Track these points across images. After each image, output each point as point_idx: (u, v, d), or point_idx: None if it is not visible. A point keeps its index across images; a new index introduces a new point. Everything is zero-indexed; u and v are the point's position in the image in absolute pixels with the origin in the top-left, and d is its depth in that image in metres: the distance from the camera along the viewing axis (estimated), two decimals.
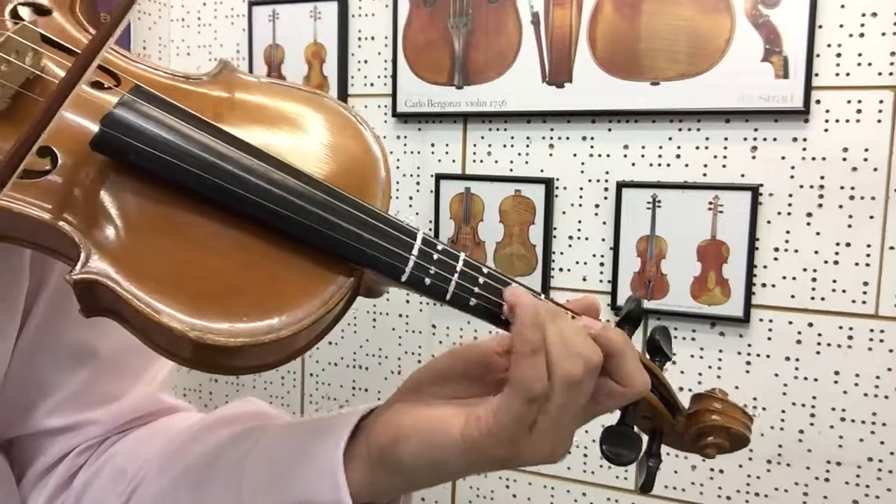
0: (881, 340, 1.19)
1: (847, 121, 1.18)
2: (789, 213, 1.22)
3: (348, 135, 0.49)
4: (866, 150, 1.17)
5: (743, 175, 1.24)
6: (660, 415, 0.51)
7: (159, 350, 0.41)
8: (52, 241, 0.41)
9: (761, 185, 1.23)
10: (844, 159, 1.18)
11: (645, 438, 0.51)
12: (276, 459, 0.49)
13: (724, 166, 1.25)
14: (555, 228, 1.37)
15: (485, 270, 0.45)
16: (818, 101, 1.19)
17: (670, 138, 1.28)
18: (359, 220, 0.43)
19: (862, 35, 1.16)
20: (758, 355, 1.26)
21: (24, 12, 0.46)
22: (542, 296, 0.47)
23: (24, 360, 0.52)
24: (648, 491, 0.50)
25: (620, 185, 1.30)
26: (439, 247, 0.45)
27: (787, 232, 1.22)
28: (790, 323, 1.23)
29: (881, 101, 1.16)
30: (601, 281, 1.34)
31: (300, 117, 0.49)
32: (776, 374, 1.25)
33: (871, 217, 1.18)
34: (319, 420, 0.51)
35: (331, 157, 0.47)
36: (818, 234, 1.21)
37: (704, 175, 1.27)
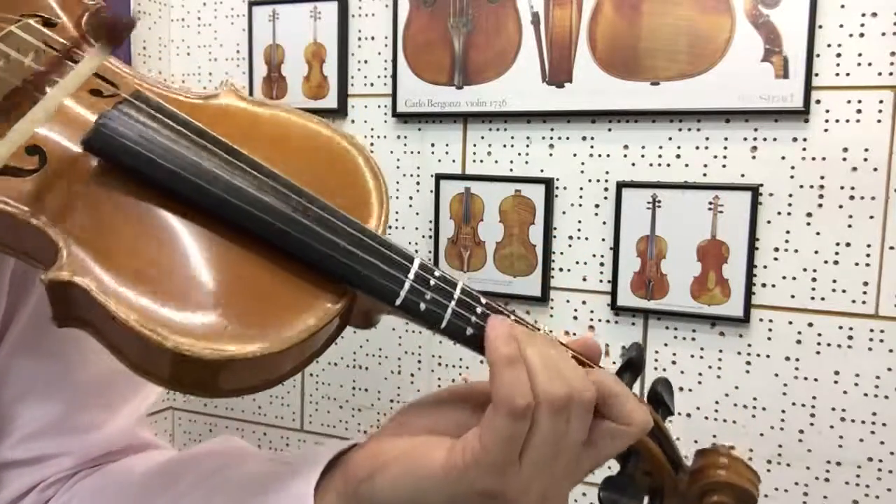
0: (881, 340, 1.19)
1: (847, 121, 1.18)
2: (789, 213, 1.22)
3: (344, 155, 0.48)
4: (866, 150, 1.17)
5: (743, 175, 1.24)
6: (661, 470, 0.48)
7: (134, 367, 0.39)
8: (31, 242, 0.40)
9: (761, 185, 1.23)
10: (844, 159, 1.18)
11: (646, 500, 0.48)
12: (245, 494, 0.47)
13: (724, 166, 1.25)
14: (555, 228, 1.37)
15: (483, 301, 0.44)
16: (818, 101, 1.19)
17: (670, 138, 1.28)
18: (354, 238, 0.42)
19: (862, 35, 1.16)
20: (758, 355, 1.26)
21: (31, 22, 0.46)
22: (541, 331, 0.45)
23: None
24: None
25: (620, 185, 1.30)
26: (437, 273, 0.43)
27: (787, 232, 1.23)
28: (790, 323, 1.23)
29: (881, 101, 1.16)
30: (601, 281, 1.34)
31: (296, 134, 0.49)
32: (776, 374, 1.25)
33: (871, 217, 1.18)
34: (295, 455, 0.49)
35: (326, 175, 0.47)
36: (818, 234, 1.21)
37: (704, 175, 1.27)
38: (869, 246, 1.18)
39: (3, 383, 0.51)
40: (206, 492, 0.49)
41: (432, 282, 0.43)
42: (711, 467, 0.49)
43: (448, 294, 0.43)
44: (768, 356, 1.25)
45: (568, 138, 1.35)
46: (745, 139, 1.24)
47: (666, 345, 1.30)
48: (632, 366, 0.49)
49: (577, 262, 1.36)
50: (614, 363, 0.49)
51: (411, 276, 0.42)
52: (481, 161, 1.42)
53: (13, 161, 0.39)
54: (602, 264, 1.34)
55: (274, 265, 0.41)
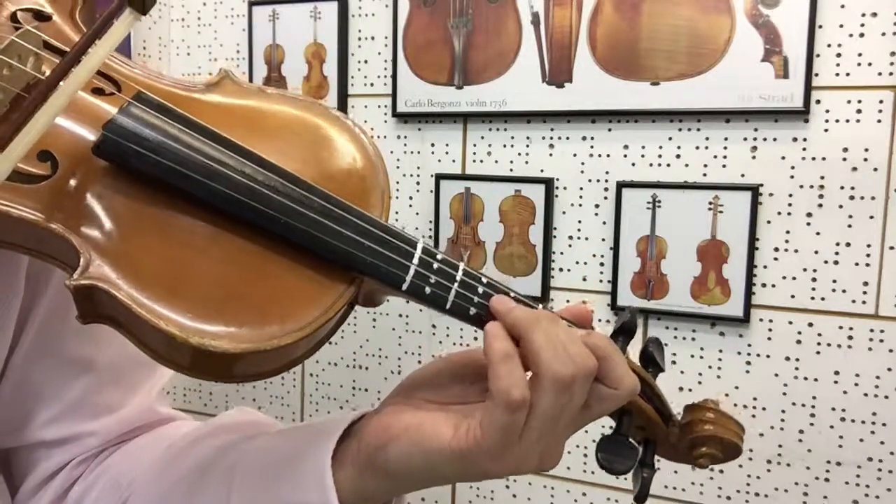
0: (881, 340, 1.19)
1: (847, 121, 1.18)
2: (789, 213, 1.22)
3: (347, 144, 0.49)
4: (866, 150, 1.17)
5: (743, 175, 1.24)
6: (653, 424, 0.51)
7: (157, 357, 0.41)
8: (51, 246, 0.41)
9: (761, 185, 1.23)
10: (844, 159, 1.18)
11: (640, 449, 0.51)
12: (265, 465, 0.49)
13: (724, 166, 1.25)
14: (555, 228, 1.37)
15: (484, 280, 0.46)
16: (818, 101, 1.19)
17: (670, 138, 1.28)
18: (359, 227, 0.43)
19: (862, 35, 1.16)
20: (758, 355, 1.26)
21: (25, 18, 0.46)
22: (540, 305, 0.47)
23: (21, 372, 0.52)
24: (643, 501, 0.50)
25: (620, 185, 1.30)
26: (439, 256, 0.45)
27: (787, 232, 1.23)
28: (790, 323, 1.23)
29: (881, 101, 1.16)
30: (601, 281, 1.34)
31: (300, 126, 0.49)
32: (776, 374, 1.25)
33: (871, 217, 1.18)
34: (310, 425, 0.51)
35: (330, 165, 0.48)
36: (818, 234, 1.21)
37: (704, 175, 1.27)
38: (869, 246, 1.18)
39: (32, 367, 0.53)
40: (225, 470, 0.50)
41: (436, 265, 0.45)
42: (699, 422, 0.53)
43: (451, 277, 0.45)
44: (768, 356, 1.25)
45: (568, 138, 1.35)
46: (745, 139, 1.24)
47: (666, 345, 1.29)
48: (625, 330, 0.51)
49: (577, 262, 1.36)
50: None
51: (415, 261, 0.44)
52: (481, 161, 1.42)
53: (27, 167, 0.40)
54: (602, 264, 1.34)
55: (283, 258, 0.43)
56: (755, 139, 1.23)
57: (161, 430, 0.61)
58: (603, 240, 1.34)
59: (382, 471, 0.45)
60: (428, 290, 0.44)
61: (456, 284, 0.45)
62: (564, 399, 0.42)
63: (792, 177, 1.21)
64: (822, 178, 1.20)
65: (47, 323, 0.52)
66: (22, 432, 0.54)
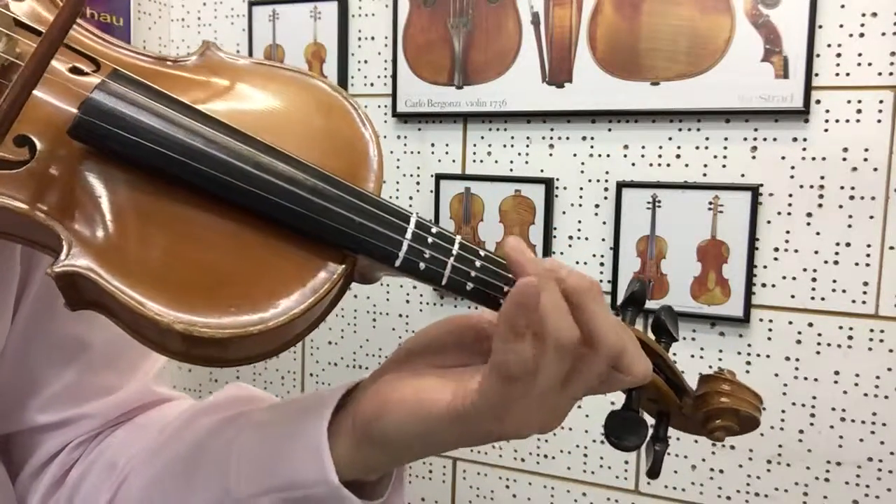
0: (881, 340, 1.19)
1: (847, 121, 1.18)
2: (789, 213, 1.22)
3: (337, 116, 0.47)
4: (866, 150, 1.17)
5: (743, 175, 1.24)
6: (666, 397, 0.49)
7: (148, 343, 0.40)
8: (33, 233, 0.40)
9: (761, 185, 1.23)
10: (844, 159, 1.18)
11: (651, 423, 0.49)
12: (261, 441, 0.48)
13: (724, 166, 1.25)
14: (555, 228, 1.37)
15: (482, 254, 0.44)
16: (818, 101, 1.19)
17: (670, 138, 1.28)
18: (350, 204, 0.42)
19: (862, 35, 1.16)
20: (758, 355, 1.26)
21: None
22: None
23: (15, 355, 0.52)
24: (656, 476, 0.48)
25: (620, 185, 1.30)
26: (434, 230, 0.43)
27: (787, 232, 1.23)
28: (790, 323, 1.23)
29: (881, 101, 1.16)
30: (601, 281, 1.34)
31: (287, 99, 0.47)
32: (776, 374, 1.25)
33: (871, 217, 1.18)
34: (304, 398, 0.50)
35: (320, 139, 0.46)
36: (818, 234, 1.21)
37: (704, 175, 1.27)
38: (869, 246, 1.18)
39: (26, 349, 0.52)
40: (222, 449, 0.50)
41: (430, 239, 0.43)
42: (715, 394, 0.50)
43: (446, 251, 0.43)
44: (768, 356, 1.25)
45: (568, 138, 1.35)
46: (745, 139, 1.24)
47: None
48: (635, 300, 0.50)
49: (577, 262, 1.36)
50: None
51: (408, 235, 0.42)
52: (481, 161, 1.42)
53: (4, 153, 0.39)
54: (602, 264, 1.34)
55: (272, 238, 0.41)
56: (755, 139, 1.23)
57: (159, 409, 0.60)
58: (603, 240, 1.34)
59: (380, 442, 0.44)
60: (422, 265, 0.42)
61: (452, 259, 0.43)
62: (566, 365, 0.41)
63: (792, 177, 1.21)
64: (822, 178, 1.20)
65: (39, 305, 0.52)
66: (18, 416, 0.54)
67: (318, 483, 0.44)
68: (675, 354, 0.52)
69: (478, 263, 0.43)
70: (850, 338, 1.20)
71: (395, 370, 0.46)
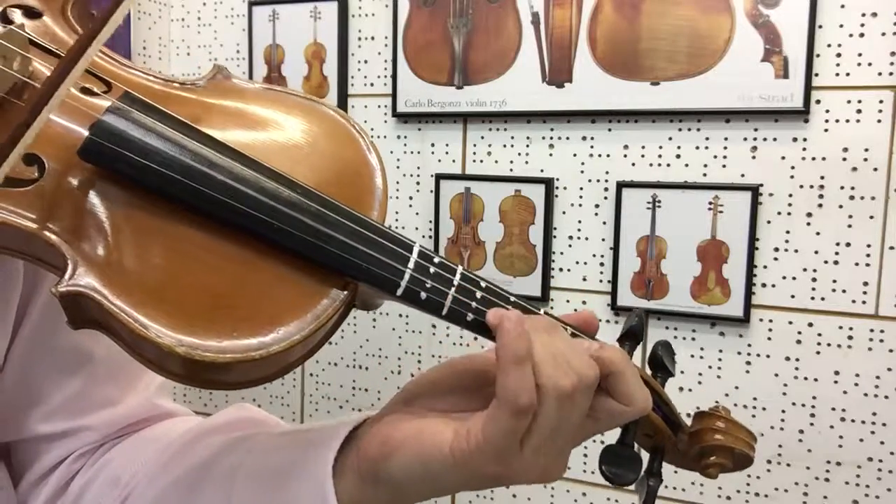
0: (881, 340, 1.19)
1: (847, 121, 1.18)
2: (789, 213, 1.22)
3: (344, 143, 0.47)
4: (866, 150, 1.17)
5: (743, 175, 1.24)
6: (661, 433, 0.50)
7: (148, 364, 0.40)
8: (39, 251, 0.40)
9: (761, 185, 1.23)
10: (844, 159, 1.18)
11: (645, 457, 0.49)
12: (266, 471, 0.48)
13: (724, 166, 1.25)
14: (555, 228, 1.37)
15: (482, 284, 0.44)
16: (818, 101, 1.19)
17: (670, 138, 1.28)
18: (353, 231, 0.42)
19: (862, 35, 1.16)
20: (758, 355, 1.26)
21: (14, 15, 0.44)
22: (542, 311, 0.45)
23: (19, 366, 0.52)
24: None
25: (620, 185, 1.30)
26: (436, 260, 0.44)
27: (787, 232, 1.22)
28: (790, 323, 1.23)
29: (881, 101, 1.16)
30: (601, 281, 1.34)
31: (294, 124, 0.48)
32: (776, 374, 1.25)
33: (871, 217, 1.18)
34: (310, 430, 0.50)
35: (326, 166, 0.46)
36: (818, 234, 1.21)
37: (704, 175, 1.27)
38: (869, 246, 1.18)
39: (30, 361, 0.52)
40: (225, 473, 0.50)
41: (432, 269, 0.43)
42: (709, 430, 0.50)
43: (448, 281, 0.43)
44: (768, 356, 1.25)
45: (568, 138, 1.35)
46: (745, 139, 1.24)
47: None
48: (632, 334, 0.49)
49: (577, 262, 1.36)
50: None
51: (411, 265, 0.43)
52: (481, 161, 1.42)
53: (13, 172, 0.39)
54: (602, 264, 1.34)
55: (275, 263, 0.41)
56: (755, 139, 1.23)
57: (162, 425, 0.61)
58: (603, 240, 1.34)
59: (383, 482, 0.44)
60: (424, 294, 0.43)
61: (453, 289, 0.43)
62: (566, 410, 0.41)
63: (792, 177, 1.21)
64: (822, 178, 1.20)
65: (43, 317, 0.52)
66: (21, 425, 0.54)
67: None
68: (678, 371, 0.51)
69: (478, 294, 0.44)
70: (850, 338, 1.20)
71: (396, 412, 0.47)
